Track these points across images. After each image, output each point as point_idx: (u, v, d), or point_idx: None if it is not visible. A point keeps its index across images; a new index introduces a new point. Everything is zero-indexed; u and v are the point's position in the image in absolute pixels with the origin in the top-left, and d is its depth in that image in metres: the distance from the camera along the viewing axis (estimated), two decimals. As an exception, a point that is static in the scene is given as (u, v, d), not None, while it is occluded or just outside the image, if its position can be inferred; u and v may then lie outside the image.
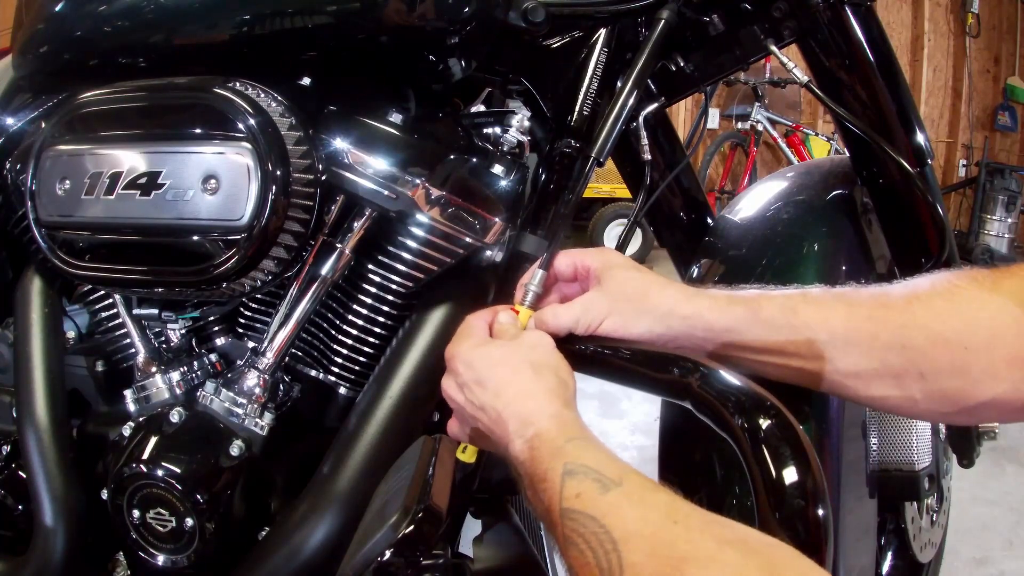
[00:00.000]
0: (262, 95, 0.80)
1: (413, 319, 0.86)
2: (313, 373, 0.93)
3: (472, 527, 0.80)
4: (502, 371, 0.60)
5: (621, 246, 0.92)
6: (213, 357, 0.97)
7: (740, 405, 0.56)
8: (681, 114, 5.22)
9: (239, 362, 0.94)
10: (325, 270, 0.85)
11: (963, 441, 1.17)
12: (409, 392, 0.82)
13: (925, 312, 0.57)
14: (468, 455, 0.70)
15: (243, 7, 0.83)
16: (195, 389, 0.90)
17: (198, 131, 0.78)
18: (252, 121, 0.76)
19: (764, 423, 0.54)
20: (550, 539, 0.48)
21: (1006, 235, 5.69)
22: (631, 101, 0.83)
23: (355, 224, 0.86)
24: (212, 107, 0.78)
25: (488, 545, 0.70)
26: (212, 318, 1.00)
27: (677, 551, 0.40)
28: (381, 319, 0.90)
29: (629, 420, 2.64)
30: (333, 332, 0.91)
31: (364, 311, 0.90)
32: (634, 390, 0.68)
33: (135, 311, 0.96)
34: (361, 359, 0.91)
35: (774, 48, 0.88)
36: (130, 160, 0.80)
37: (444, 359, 0.67)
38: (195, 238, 0.79)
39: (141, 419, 0.89)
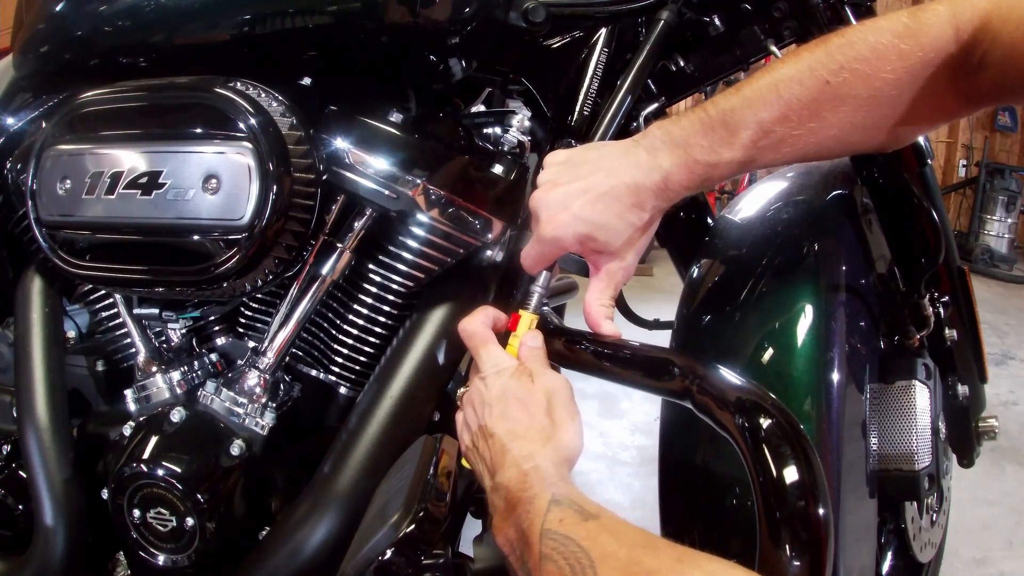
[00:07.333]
0: (263, 95, 0.80)
1: (414, 319, 0.86)
2: (314, 373, 0.93)
3: (472, 527, 0.80)
4: (522, 414, 0.63)
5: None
6: (214, 357, 0.97)
7: (740, 405, 0.56)
8: (681, 114, 5.20)
9: (240, 362, 0.94)
10: (326, 270, 0.85)
11: (963, 441, 1.17)
12: (410, 392, 0.82)
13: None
14: None
15: (243, 7, 0.83)
16: (196, 389, 0.91)
17: (199, 131, 0.78)
18: (253, 121, 0.76)
19: (764, 423, 0.54)
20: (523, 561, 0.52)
21: (1006, 235, 5.70)
22: (629, 98, 0.83)
23: (356, 224, 0.86)
24: (213, 107, 0.78)
25: (488, 545, 0.70)
26: (213, 318, 1.00)
27: (644, 567, 0.45)
28: (382, 319, 0.90)
29: (629, 420, 2.64)
30: (334, 332, 0.91)
31: (365, 311, 0.90)
32: (634, 390, 0.68)
33: (136, 311, 0.96)
34: (362, 359, 0.91)
35: (774, 48, 0.88)
36: (131, 160, 0.80)
37: (469, 370, 0.69)
38: (196, 238, 0.79)
39: (141, 419, 0.89)
